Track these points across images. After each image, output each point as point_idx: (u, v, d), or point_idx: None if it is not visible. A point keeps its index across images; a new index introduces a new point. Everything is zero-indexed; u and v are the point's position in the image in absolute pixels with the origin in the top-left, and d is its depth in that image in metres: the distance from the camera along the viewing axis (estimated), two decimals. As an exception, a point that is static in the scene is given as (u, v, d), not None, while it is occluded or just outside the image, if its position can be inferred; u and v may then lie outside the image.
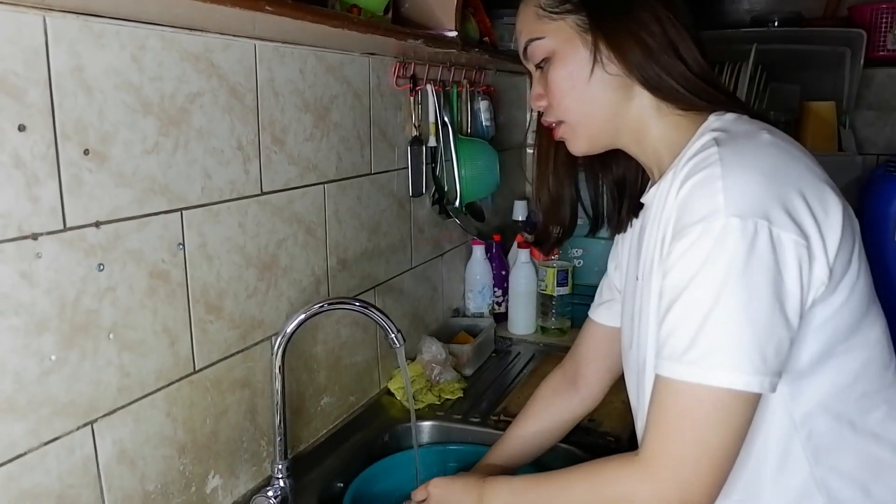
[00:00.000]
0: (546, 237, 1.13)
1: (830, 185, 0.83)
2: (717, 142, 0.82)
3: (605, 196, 1.12)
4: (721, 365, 0.75)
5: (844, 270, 0.83)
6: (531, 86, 1.01)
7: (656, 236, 0.90)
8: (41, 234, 0.82)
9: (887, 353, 0.90)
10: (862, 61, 2.19)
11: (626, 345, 1.04)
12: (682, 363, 0.77)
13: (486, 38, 1.78)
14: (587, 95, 0.92)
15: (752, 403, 0.78)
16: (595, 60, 0.90)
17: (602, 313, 1.20)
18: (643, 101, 0.92)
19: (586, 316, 1.23)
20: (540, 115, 1.00)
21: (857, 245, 0.86)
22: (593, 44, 0.90)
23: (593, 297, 1.24)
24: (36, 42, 0.80)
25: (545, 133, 1.05)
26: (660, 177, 0.94)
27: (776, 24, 2.33)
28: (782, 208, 0.76)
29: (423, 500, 1.09)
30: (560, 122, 0.97)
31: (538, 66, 0.96)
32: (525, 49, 0.96)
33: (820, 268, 0.79)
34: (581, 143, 0.97)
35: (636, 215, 1.06)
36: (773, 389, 0.77)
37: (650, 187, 0.98)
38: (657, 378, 0.81)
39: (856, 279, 0.84)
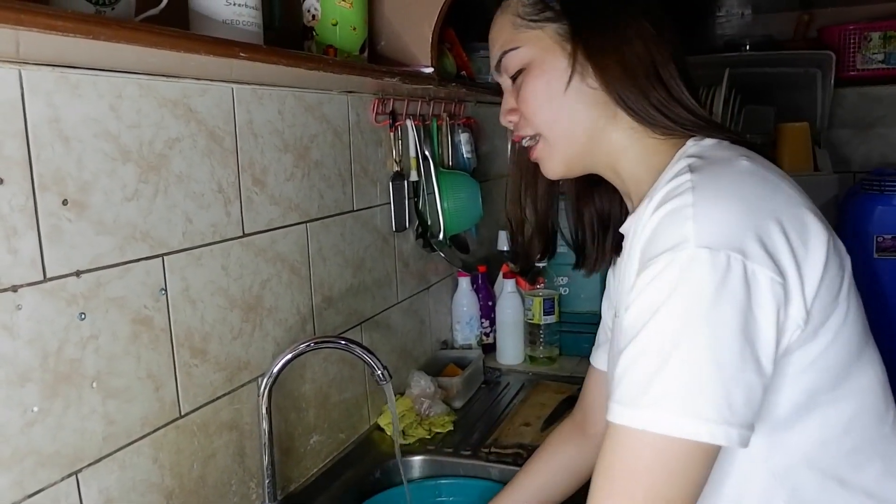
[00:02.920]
0: (524, 264, 1.08)
1: (815, 214, 0.76)
2: (690, 168, 0.75)
3: (586, 230, 1.05)
4: (680, 411, 0.66)
5: (828, 312, 0.74)
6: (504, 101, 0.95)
7: (629, 269, 0.81)
8: (21, 286, 0.82)
9: (883, 403, 0.81)
10: (833, 81, 2.23)
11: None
12: (635, 408, 0.68)
13: (464, 72, 1.80)
14: (565, 108, 0.86)
15: (713, 455, 0.69)
16: (573, 70, 0.84)
17: (599, 357, 1.12)
18: (623, 122, 0.86)
19: (574, 344, 1.21)
20: (517, 142, 0.95)
21: (847, 282, 0.77)
22: (572, 53, 0.84)
23: (580, 324, 1.23)
24: (12, 95, 0.81)
25: (525, 155, 0.98)
26: (637, 205, 0.86)
27: (748, 47, 2.38)
28: (758, 241, 0.68)
29: None
30: (536, 140, 0.91)
31: (513, 79, 0.91)
32: (499, 61, 0.91)
33: (796, 309, 0.71)
34: (556, 164, 0.91)
35: (617, 252, 1.01)
36: (745, 444, 0.68)
37: (628, 217, 0.91)
38: (608, 424, 0.72)
39: (842, 322, 0.76)
